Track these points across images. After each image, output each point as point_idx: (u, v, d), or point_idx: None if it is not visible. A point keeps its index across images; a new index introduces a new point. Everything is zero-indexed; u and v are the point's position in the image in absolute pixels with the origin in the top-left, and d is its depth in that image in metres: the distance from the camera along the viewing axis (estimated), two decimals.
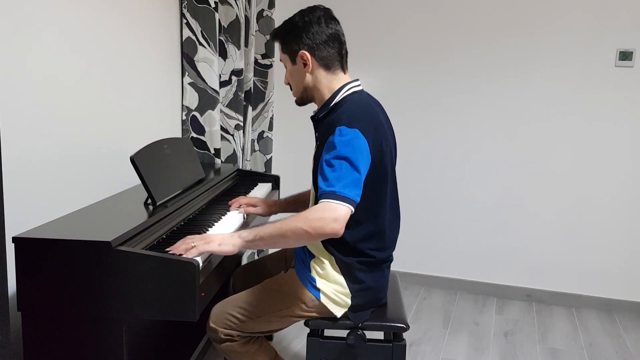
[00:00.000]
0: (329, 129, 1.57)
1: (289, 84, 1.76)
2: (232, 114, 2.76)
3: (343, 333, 1.70)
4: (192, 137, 2.60)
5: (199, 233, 1.63)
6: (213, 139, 2.61)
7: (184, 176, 1.99)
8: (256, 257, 3.21)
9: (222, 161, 2.77)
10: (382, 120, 1.66)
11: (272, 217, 1.92)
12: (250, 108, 2.94)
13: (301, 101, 1.75)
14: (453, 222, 3.30)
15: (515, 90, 3.10)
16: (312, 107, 1.78)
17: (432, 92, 3.22)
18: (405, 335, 1.75)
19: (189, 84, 2.55)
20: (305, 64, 1.66)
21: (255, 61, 3.04)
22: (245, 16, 2.80)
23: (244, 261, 3.06)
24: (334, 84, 1.67)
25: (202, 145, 2.61)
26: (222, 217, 1.88)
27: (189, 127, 2.59)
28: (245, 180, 2.52)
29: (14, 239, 1.38)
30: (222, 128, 2.74)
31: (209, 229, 1.72)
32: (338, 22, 1.69)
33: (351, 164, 1.49)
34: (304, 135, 3.42)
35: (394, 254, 3.22)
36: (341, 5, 3.25)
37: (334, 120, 1.58)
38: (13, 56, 1.55)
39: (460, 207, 3.27)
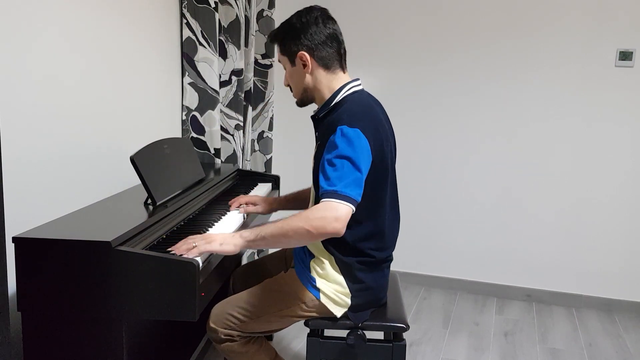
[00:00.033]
0: (330, 128, 1.57)
1: (289, 85, 1.76)
2: (232, 114, 2.76)
3: (343, 333, 1.70)
4: (192, 137, 2.60)
5: (199, 233, 1.62)
6: (213, 139, 2.61)
7: (184, 176, 1.99)
8: (256, 257, 3.21)
9: (222, 161, 2.77)
10: (382, 120, 1.66)
11: (273, 216, 1.92)
12: (250, 108, 2.94)
13: (302, 102, 1.75)
14: (453, 222, 3.30)
15: (514, 92, 3.10)
16: (312, 107, 1.78)
17: (432, 92, 3.22)
18: (405, 335, 1.75)
19: (189, 84, 2.55)
20: (304, 65, 1.66)
21: (255, 61, 3.04)
22: (245, 16, 2.80)
23: (244, 261, 3.06)
24: (334, 83, 1.68)
25: (202, 145, 2.61)
26: (222, 217, 1.88)
27: (189, 127, 2.59)
28: (245, 180, 2.52)
29: (14, 239, 1.38)
30: (222, 128, 2.74)
31: (209, 229, 1.72)
32: (335, 22, 1.69)
33: (353, 163, 1.49)
34: (304, 135, 3.42)
35: (394, 254, 3.22)
36: (341, 6, 3.25)
37: (334, 120, 1.58)
38: (13, 56, 1.55)
39: (460, 208, 3.27)
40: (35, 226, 1.51)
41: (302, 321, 1.71)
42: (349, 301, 1.67)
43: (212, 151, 2.62)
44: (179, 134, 2.60)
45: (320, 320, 1.70)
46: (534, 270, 3.21)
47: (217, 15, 2.53)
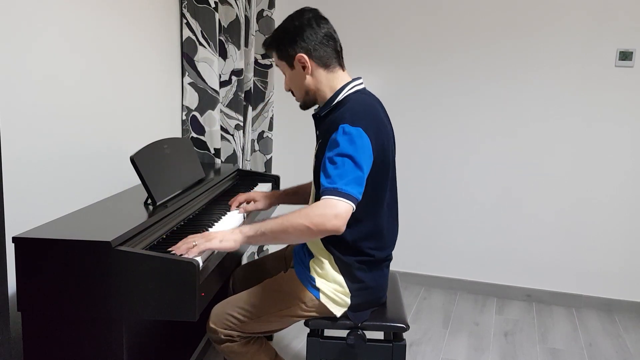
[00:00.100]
0: (332, 127, 1.57)
1: (290, 90, 1.75)
2: (232, 114, 2.76)
3: (343, 333, 1.70)
4: (192, 137, 2.60)
5: (199, 233, 1.62)
6: (213, 139, 2.61)
7: (184, 176, 1.99)
8: (256, 257, 3.21)
9: (222, 161, 2.77)
10: (384, 119, 1.67)
11: (275, 213, 1.92)
12: (250, 108, 2.94)
13: (305, 105, 1.75)
14: (453, 222, 3.30)
15: (514, 92, 3.10)
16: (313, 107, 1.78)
17: (432, 92, 3.22)
18: (405, 335, 1.75)
19: (189, 84, 2.55)
20: (304, 67, 1.66)
21: (255, 61, 3.04)
22: (245, 16, 2.80)
23: (244, 261, 3.06)
24: (335, 82, 1.68)
25: (202, 145, 2.61)
26: (222, 217, 1.88)
27: (189, 127, 2.59)
28: (245, 180, 2.52)
29: (14, 239, 1.38)
30: (222, 128, 2.74)
31: (209, 228, 1.72)
32: (328, 21, 1.69)
33: (354, 161, 1.49)
34: (304, 135, 3.42)
35: (394, 253, 3.22)
36: (341, 6, 3.25)
37: (336, 119, 1.58)
38: (13, 56, 1.55)
39: (460, 208, 3.27)
40: (35, 226, 1.51)
41: (302, 321, 1.71)
42: (348, 301, 1.67)
43: (212, 151, 2.62)
44: (179, 134, 2.60)
45: (320, 320, 1.70)
46: (534, 270, 3.21)
47: (217, 15, 2.53)
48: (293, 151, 3.48)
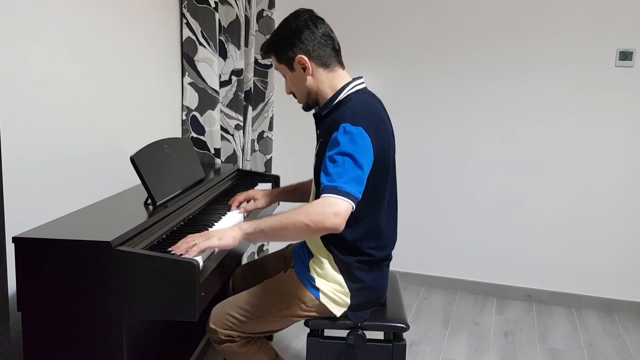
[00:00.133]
0: (333, 126, 1.57)
1: (292, 92, 1.75)
2: (232, 114, 2.77)
3: (343, 333, 1.70)
4: (192, 137, 2.60)
5: (199, 232, 1.62)
6: (213, 139, 2.61)
7: (184, 176, 1.99)
8: (256, 257, 3.21)
9: (222, 161, 2.77)
10: (385, 119, 1.67)
11: (275, 212, 1.92)
12: (250, 108, 2.94)
13: (307, 106, 1.75)
14: (453, 222, 3.30)
15: (514, 92, 3.10)
16: None
17: (432, 92, 3.22)
18: (405, 335, 1.76)
19: (189, 84, 2.55)
20: (304, 68, 1.66)
21: (255, 61, 3.04)
22: (245, 16, 2.80)
23: (244, 261, 3.06)
24: (336, 82, 1.68)
25: (202, 145, 2.61)
26: (222, 217, 1.88)
27: (189, 127, 2.60)
28: (245, 180, 2.52)
29: (14, 239, 1.38)
30: (222, 128, 2.74)
31: (209, 228, 1.72)
32: (324, 21, 1.69)
33: (354, 160, 1.49)
34: (304, 135, 3.42)
35: (394, 253, 3.22)
36: (341, 6, 3.25)
37: (337, 118, 1.58)
38: (13, 56, 1.56)
39: (460, 208, 3.27)
40: (35, 226, 1.51)
41: (302, 321, 1.71)
42: (348, 300, 1.67)
43: (212, 151, 2.62)
44: (179, 134, 2.60)
45: (320, 320, 1.70)
46: (534, 270, 3.21)
47: (217, 15, 2.53)
48: (293, 151, 3.48)
